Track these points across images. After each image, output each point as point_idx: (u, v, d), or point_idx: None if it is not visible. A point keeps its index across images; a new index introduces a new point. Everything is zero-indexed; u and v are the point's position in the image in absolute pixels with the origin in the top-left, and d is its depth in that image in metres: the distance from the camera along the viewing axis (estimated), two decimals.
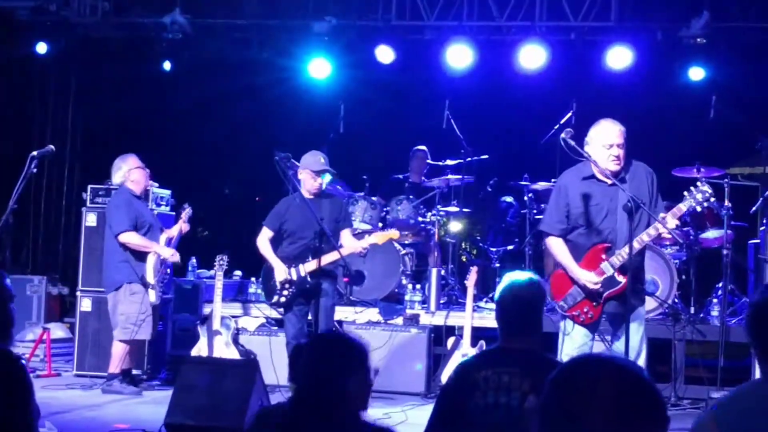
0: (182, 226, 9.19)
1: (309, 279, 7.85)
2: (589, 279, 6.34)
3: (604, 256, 6.35)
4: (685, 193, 6.25)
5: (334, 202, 8.33)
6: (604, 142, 6.34)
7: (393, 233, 8.42)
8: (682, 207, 6.23)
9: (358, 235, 9.02)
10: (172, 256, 8.83)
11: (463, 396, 3.97)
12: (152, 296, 8.67)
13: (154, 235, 8.85)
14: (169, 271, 9.02)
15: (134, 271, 8.67)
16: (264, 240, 8.16)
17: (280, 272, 8.02)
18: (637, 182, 6.39)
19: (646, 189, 6.39)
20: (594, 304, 6.38)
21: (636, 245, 6.17)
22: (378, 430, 3.31)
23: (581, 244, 6.46)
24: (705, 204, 6.28)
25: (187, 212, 9.26)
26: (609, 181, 6.37)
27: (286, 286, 8.01)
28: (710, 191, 6.23)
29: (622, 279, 6.29)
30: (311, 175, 8.10)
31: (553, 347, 6.61)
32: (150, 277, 8.66)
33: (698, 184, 6.28)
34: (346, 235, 8.23)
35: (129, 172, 8.91)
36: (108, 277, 8.85)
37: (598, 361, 1.84)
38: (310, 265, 7.82)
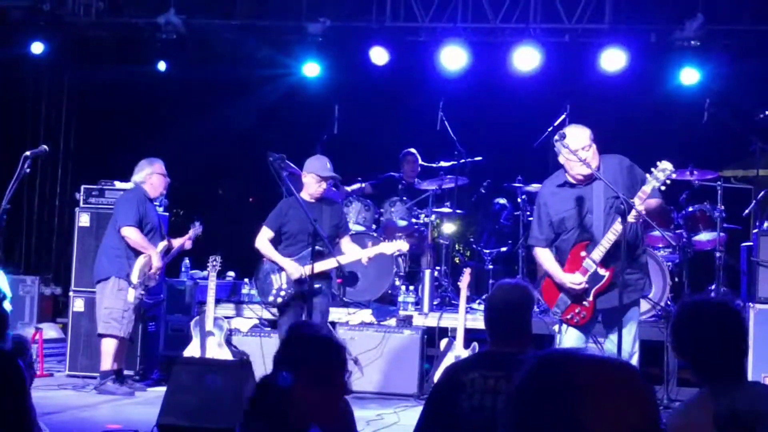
0: (185, 241, 9.22)
1: (308, 282, 7.80)
2: (573, 281, 6.39)
3: (583, 254, 6.39)
4: (647, 175, 6.25)
5: (334, 207, 8.29)
6: (571, 148, 6.36)
7: (402, 244, 8.37)
8: (646, 189, 6.20)
9: (355, 237, 9.03)
10: (157, 268, 8.84)
11: (451, 398, 3.98)
12: (131, 296, 8.67)
13: (154, 240, 8.88)
14: (158, 276, 9.01)
15: (126, 267, 8.69)
16: (264, 240, 8.11)
17: (294, 270, 7.92)
18: (610, 177, 6.39)
19: (619, 180, 6.39)
20: (584, 303, 6.41)
21: (612, 237, 6.21)
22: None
23: (566, 249, 6.52)
24: (668, 182, 6.25)
25: (195, 230, 9.28)
26: (585, 173, 6.38)
27: (284, 286, 7.98)
28: (671, 167, 6.20)
29: (605, 272, 6.33)
30: (316, 179, 8.04)
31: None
32: (134, 277, 8.67)
33: (658, 163, 6.26)
34: (348, 243, 8.23)
35: (151, 175, 8.97)
36: (100, 266, 8.88)
37: (578, 355, 1.84)
38: (317, 266, 7.77)
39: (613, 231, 6.22)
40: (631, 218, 6.15)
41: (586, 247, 6.40)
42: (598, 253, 6.30)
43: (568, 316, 6.49)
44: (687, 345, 3.26)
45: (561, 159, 6.48)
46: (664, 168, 6.16)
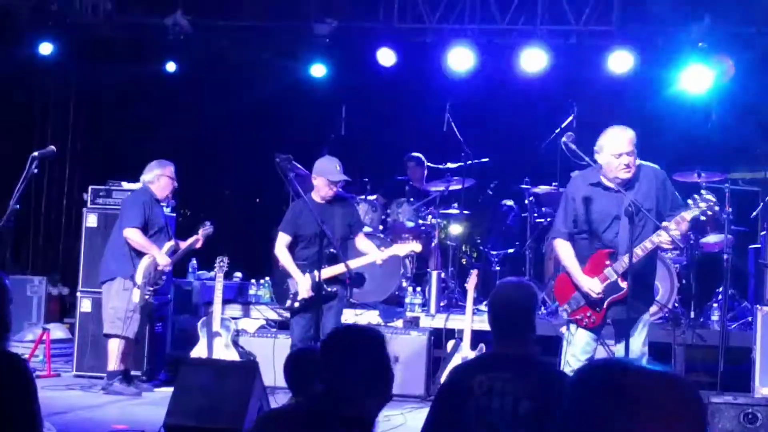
0: (195, 241, 9.20)
1: (325, 285, 7.78)
2: (592, 287, 6.30)
3: (608, 262, 6.32)
4: (690, 201, 6.19)
5: (346, 206, 8.24)
6: (614, 151, 6.26)
7: (416, 246, 8.37)
8: (686, 216, 6.14)
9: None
10: (165, 265, 8.83)
11: (457, 401, 3.97)
12: (136, 296, 8.66)
13: (160, 241, 8.87)
14: (164, 277, 9.00)
15: (131, 268, 8.69)
16: (282, 247, 8.07)
17: (304, 286, 7.93)
18: (646, 187, 6.31)
19: (654, 193, 6.33)
20: (596, 309, 6.37)
21: (639, 252, 6.14)
22: None
23: (585, 248, 6.45)
24: (709, 213, 6.19)
25: (206, 230, 9.25)
26: (624, 177, 6.33)
27: (306, 299, 7.97)
28: (714, 200, 6.16)
29: (624, 285, 6.26)
30: (327, 183, 8.01)
31: (551, 352, 6.61)
32: (138, 278, 8.66)
33: (702, 192, 6.22)
34: (362, 241, 8.21)
35: (160, 177, 8.98)
36: (106, 267, 8.91)
37: (631, 366, 1.87)
38: (326, 272, 7.76)
39: (642, 248, 6.16)
40: (666, 244, 6.14)
41: (610, 255, 6.33)
42: (622, 265, 6.21)
43: (578, 317, 6.41)
44: None
45: (601, 158, 6.36)
46: (708, 200, 6.10)
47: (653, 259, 6.59)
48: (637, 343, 6.33)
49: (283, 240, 8.08)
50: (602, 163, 6.36)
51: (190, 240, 9.22)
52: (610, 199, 6.37)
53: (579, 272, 6.38)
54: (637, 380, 1.81)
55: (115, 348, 8.77)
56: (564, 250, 6.51)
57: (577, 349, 6.40)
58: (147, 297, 8.78)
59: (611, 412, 1.78)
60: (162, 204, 9.21)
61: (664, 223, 6.16)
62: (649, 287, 6.64)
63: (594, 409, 1.81)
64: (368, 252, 8.22)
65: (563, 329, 6.58)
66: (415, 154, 11.67)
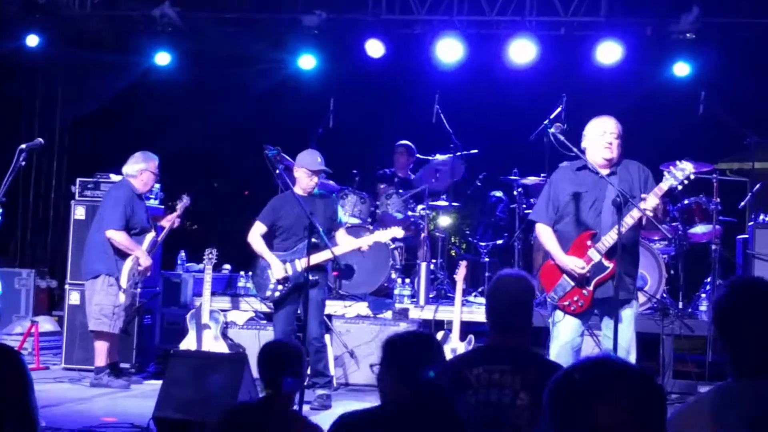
0: (174, 219, 9.18)
1: (304, 275, 7.81)
2: (576, 264, 6.32)
3: (589, 243, 6.33)
4: (665, 172, 6.23)
5: (328, 200, 8.31)
6: (599, 130, 6.39)
7: (397, 231, 8.40)
8: (663, 186, 6.18)
9: (351, 230, 9.03)
10: (148, 267, 8.80)
11: (455, 394, 3.97)
12: (122, 298, 8.64)
13: (142, 239, 8.83)
14: (148, 273, 8.96)
15: (115, 265, 8.65)
16: (256, 235, 8.15)
17: (278, 270, 7.99)
18: (628, 178, 6.38)
19: (636, 185, 6.37)
20: (584, 292, 6.36)
21: (622, 230, 6.17)
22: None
23: (568, 233, 6.46)
24: (686, 182, 6.23)
25: (183, 203, 9.22)
26: (604, 171, 6.38)
27: (281, 281, 8.01)
28: (690, 168, 6.20)
29: (609, 264, 6.28)
30: (307, 174, 8.08)
31: (543, 342, 6.60)
32: (123, 281, 8.62)
33: (677, 162, 6.27)
34: (343, 236, 8.25)
35: (144, 171, 8.90)
36: (88, 264, 8.84)
37: (606, 365, 1.96)
38: (306, 261, 7.79)
39: (624, 224, 6.19)
40: (649, 211, 6.14)
41: (592, 237, 6.35)
42: (604, 243, 6.25)
43: (566, 302, 6.40)
44: (734, 331, 2.78)
45: (586, 142, 6.47)
46: (684, 168, 6.14)
47: (636, 243, 6.58)
48: (624, 338, 6.26)
49: (257, 229, 8.18)
50: (587, 147, 6.46)
51: (169, 218, 9.19)
52: (595, 182, 6.42)
53: (560, 253, 6.41)
54: (601, 379, 2.01)
55: (101, 345, 8.74)
56: (545, 234, 6.56)
57: (565, 341, 6.38)
58: (133, 296, 8.77)
59: (578, 415, 2.01)
60: (149, 195, 9.16)
61: (642, 195, 6.20)
62: (635, 266, 6.61)
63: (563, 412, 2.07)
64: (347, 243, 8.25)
65: (550, 319, 6.55)
66: (403, 142, 11.65)
